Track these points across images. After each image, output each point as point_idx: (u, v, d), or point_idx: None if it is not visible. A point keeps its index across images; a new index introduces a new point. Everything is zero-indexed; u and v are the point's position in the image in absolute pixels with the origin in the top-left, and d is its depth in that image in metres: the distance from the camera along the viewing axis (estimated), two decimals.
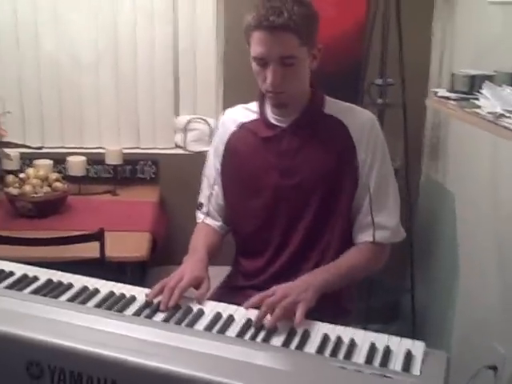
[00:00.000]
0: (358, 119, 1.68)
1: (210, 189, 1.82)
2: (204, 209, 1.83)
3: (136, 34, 3.00)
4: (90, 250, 2.15)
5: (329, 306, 1.49)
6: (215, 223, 1.82)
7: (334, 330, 1.36)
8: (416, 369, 1.23)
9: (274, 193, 1.69)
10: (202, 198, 1.84)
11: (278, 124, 1.69)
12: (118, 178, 3.02)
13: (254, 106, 1.74)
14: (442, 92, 1.89)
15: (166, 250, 2.58)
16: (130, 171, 3.09)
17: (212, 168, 1.81)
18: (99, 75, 3.05)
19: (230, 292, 1.78)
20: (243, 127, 1.75)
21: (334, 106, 1.71)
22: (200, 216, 1.84)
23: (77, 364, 1.22)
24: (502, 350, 2.19)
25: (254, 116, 1.74)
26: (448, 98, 1.81)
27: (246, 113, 1.76)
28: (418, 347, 1.30)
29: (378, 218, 1.67)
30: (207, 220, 1.82)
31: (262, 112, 1.72)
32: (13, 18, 2.96)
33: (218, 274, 1.88)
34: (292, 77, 1.58)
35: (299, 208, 1.68)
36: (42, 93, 3.05)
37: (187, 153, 3.10)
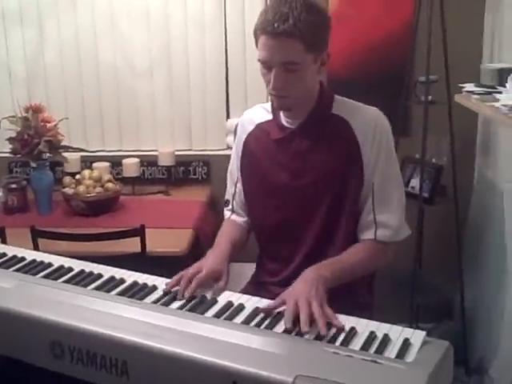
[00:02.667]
0: (363, 118, 1.69)
1: (234, 186, 1.89)
2: (230, 206, 1.91)
3: (187, 40, 3.13)
4: (133, 245, 2.29)
5: (344, 301, 1.50)
6: (240, 219, 1.89)
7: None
8: (411, 356, 1.26)
9: (287, 193, 1.74)
10: (228, 195, 1.92)
11: (288, 126, 1.74)
12: (171, 179, 3.16)
13: (269, 105, 1.79)
14: (469, 87, 1.89)
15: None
16: (183, 172, 3.22)
17: (234, 166, 1.89)
18: (154, 81, 3.20)
19: (255, 288, 1.85)
20: (258, 127, 1.81)
21: (341, 106, 1.72)
22: (227, 213, 1.92)
23: (92, 344, 1.33)
24: None
25: (269, 116, 1.79)
26: (473, 93, 1.81)
27: (262, 113, 1.82)
28: (417, 336, 1.32)
29: (380, 216, 1.69)
30: (233, 216, 1.90)
31: (274, 113, 1.77)
32: (74, 29, 3.16)
33: (249, 270, 1.97)
34: (295, 82, 1.61)
35: (310, 209, 1.72)
36: (101, 99, 3.24)
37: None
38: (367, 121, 1.68)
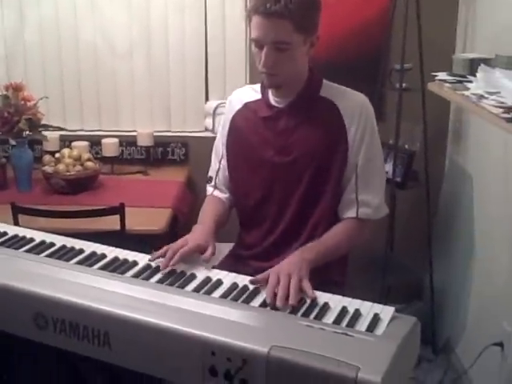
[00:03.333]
0: (350, 102, 1.77)
1: (218, 163, 1.95)
2: (212, 182, 1.96)
3: (168, 22, 3.15)
4: (113, 223, 2.33)
5: (318, 279, 1.58)
6: (223, 195, 1.95)
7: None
8: (380, 330, 1.33)
9: (271, 169, 1.81)
10: (211, 172, 1.98)
11: (277, 105, 1.81)
12: (149, 159, 3.20)
13: (258, 86, 1.86)
14: (442, 75, 1.96)
15: (189, 227, 2.72)
16: (161, 153, 3.26)
17: (219, 144, 1.95)
18: (133, 62, 3.22)
19: (233, 262, 1.91)
20: (247, 106, 1.87)
21: (329, 90, 1.80)
22: (209, 189, 1.98)
23: (75, 316, 1.37)
24: (509, 328, 2.25)
25: (258, 96, 1.86)
26: (445, 81, 1.88)
27: (251, 93, 1.88)
28: (386, 311, 1.39)
29: (363, 195, 1.77)
30: (215, 192, 1.96)
31: (263, 93, 1.84)
32: (54, 9, 3.16)
33: (223, 250, 2.03)
34: (285, 61, 1.68)
35: (293, 184, 1.79)
36: (80, 79, 3.25)
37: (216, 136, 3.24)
38: (354, 105, 1.77)
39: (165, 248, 1.66)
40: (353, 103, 1.77)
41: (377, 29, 2.99)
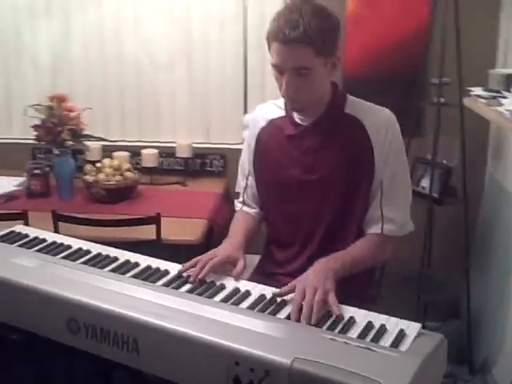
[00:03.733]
0: (375, 118, 1.76)
1: (245, 180, 1.97)
2: (240, 198, 1.99)
3: (208, 35, 3.22)
4: (149, 232, 2.39)
5: (347, 293, 1.56)
6: (252, 210, 1.97)
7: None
8: (405, 346, 1.32)
9: (299, 186, 1.81)
10: (238, 188, 2.00)
11: (302, 123, 1.81)
12: (188, 170, 3.25)
13: (282, 102, 1.85)
14: (477, 91, 1.95)
15: (224, 238, 2.75)
16: (200, 164, 3.31)
17: (246, 160, 1.96)
18: (174, 75, 3.29)
19: (263, 278, 1.89)
20: (271, 123, 1.87)
21: (354, 106, 1.79)
22: (238, 205, 2.01)
23: (106, 322, 1.42)
24: None
25: (282, 113, 1.86)
26: (480, 97, 1.87)
27: (274, 109, 1.88)
28: (413, 328, 1.39)
29: (387, 212, 1.76)
30: (244, 208, 1.98)
31: (287, 110, 1.84)
32: (99, 23, 3.26)
33: (250, 262, 2.05)
34: (307, 85, 1.68)
35: (322, 201, 1.79)
36: (123, 91, 3.34)
37: None
38: (380, 121, 1.75)
39: (194, 260, 1.69)
40: (378, 119, 1.76)
41: (415, 43, 2.97)
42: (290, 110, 1.80)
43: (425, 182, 2.84)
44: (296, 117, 1.82)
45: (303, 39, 1.60)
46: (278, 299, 1.52)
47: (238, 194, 2.00)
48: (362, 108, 1.79)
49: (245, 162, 1.98)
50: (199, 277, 1.62)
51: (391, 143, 1.75)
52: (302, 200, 1.82)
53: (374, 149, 1.74)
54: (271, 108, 1.91)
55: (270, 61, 1.69)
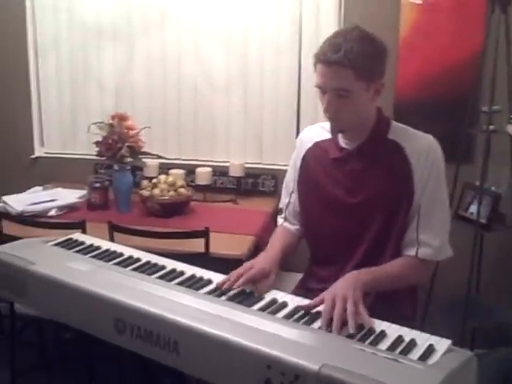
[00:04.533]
0: (417, 144, 1.80)
1: (289, 197, 2.05)
2: (283, 214, 2.07)
3: (264, 61, 3.34)
4: (198, 246, 2.49)
5: (387, 312, 1.61)
6: (293, 227, 2.05)
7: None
8: (432, 360, 1.36)
9: (341, 208, 1.88)
10: (281, 205, 2.09)
11: (346, 147, 1.88)
12: (240, 189, 3.37)
13: (328, 125, 1.91)
14: None
15: None
16: (252, 183, 3.42)
17: (291, 178, 2.05)
18: (230, 98, 3.43)
19: (304, 293, 1.95)
20: (317, 145, 1.96)
21: (397, 132, 1.85)
22: (279, 220, 2.09)
23: (150, 324, 1.51)
24: None
25: (328, 136, 1.93)
26: None
27: (321, 132, 1.97)
28: (443, 343, 1.43)
29: (423, 235, 1.80)
30: (285, 224, 2.06)
31: (333, 134, 1.91)
32: (161, 47, 3.44)
33: (294, 280, 2.12)
34: (347, 107, 1.74)
35: (363, 224, 1.85)
36: (181, 112, 3.50)
37: None
38: (421, 147, 1.80)
39: (232, 273, 1.75)
40: (419, 146, 1.80)
41: (467, 71, 3.00)
42: (331, 130, 1.88)
43: (473, 208, 2.85)
44: (341, 141, 1.89)
45: (343, 62, 1.67)
46: (313, 310, 1.59)
47: (281, 210, 2.09)
48: (404, 134, 1.84)
49: (289, 180, 2.06)
50: (234, 287, 1.69)
51: (431, 169, 1.79)
52: (343, 221, 1.88)
53: (413, 174, 1.79)
54: (318, 130, 1.99)
55: (315, 82, 1.77)
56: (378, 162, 1.84)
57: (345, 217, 1.88)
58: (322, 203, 1.93)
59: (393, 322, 1.55)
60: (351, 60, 1.67)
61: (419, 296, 2.00)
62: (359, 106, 1.77)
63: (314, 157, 1.96)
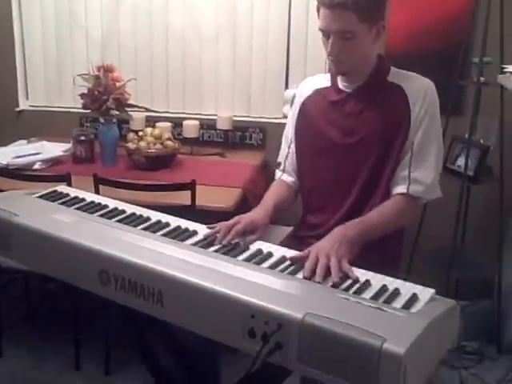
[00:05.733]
0: (416, 83, 1.83)
1: (287, 148, 2.05)
2: (281, 166, 2.07)
3: (252, 10, 3.27)
4: (184, 198, 2.48)
5: (374, 252, 1.64)
6: (290, 179, 2.05)
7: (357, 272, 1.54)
8: (415, 309, 1.37)
9: (338, 151, 1.89)
10: (280, 157, 2.08)
11: (345, 89, 1.89)
12: (227, 143, 3.34)
13: (329, 75, 1.95)
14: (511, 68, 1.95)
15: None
16: (240, 137, 3.40)
17: (289, 128, 2.04)
18: (218, 49, 3.37)
19: (295, 241, 1.98)
20: (317, 92, 1.97)
21: (397, 75, 1.87)
22: (278, 173, 2.08)
23: (134, 274, 1.50)
24: None
25: (328, 84, 1.95)
26: None
27: (322, 80, 1.98)
28: (426, 292, 1.43)
29: (415, 173, 1.81)
30: (283, 176, 2.06)
31: (332, 80, 1.93)
32: None
33: (282, 233, 2.10)
34: (350, 49, 1.76)
35: (359, 165, 1.86)
36: (168, 63, 3.44)
37: None
38: (419, 86, 1.83)
39: (219, 225, 1.74)
40: (418, 85, 1.83)
41: (459, 22, 2.96)
42: (334, 72, 1.88)
43: (461, 161, 2.84)
44: (340, 84, 1.90)
45: (347, 4, 1.68)
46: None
47: (280, 163, 2.08)
48: (404, 76, 1.86)
49: (288, 131, 2.06)
50: (223, 242, 1.68)
51: (428, 108, 1.81)
52: (340, 163, 1.89)
53: (411, 111, 1.81)
54: (319, 79, 2.01)
55: (318, 25, 1.77)
56: (377, 102, 1.85)
57: (341, 160, 1.89)
58: (319, 147, 1.94)
59: (380, 264, 1.56)
60: (354, 2, 1.68)
61: (404, 236, 2.00)
62: (362, 48, 1.79)
63: (313, 103, 1.97)
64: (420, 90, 1.81)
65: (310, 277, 1.49)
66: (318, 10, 1.78)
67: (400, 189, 1.83)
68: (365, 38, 1.77)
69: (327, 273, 1.51)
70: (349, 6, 1.69)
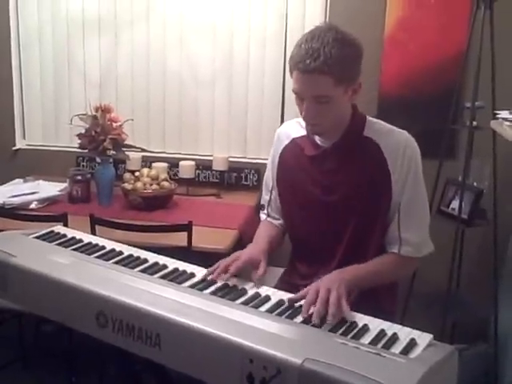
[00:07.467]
0: (392, 141, 1.79)
1: (269, 193, 2.05)
2: (265, 210, 2.07)
3: (249, 54, 3.34)
4: (181, 239, 2.48)
5: (368, 307, 1.60)
6: (276, 221, 2.05)
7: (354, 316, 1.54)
8: (414, 354, 1.37)
9: (318, 207, 1.87)
10: (263, 201, 2.09)
11: (322, 144, 1.85)
12: (223, 183, 3.36)
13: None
14: (504, 114, 1.99)
15: None
16: (235, 178, 3.42)
17: (270, 176, 2.04)
18: (215, 91, 3.42)
19: (287, 288, 1.96)
20: (294, 142, 1.94)
21: (373, 129, 1.82)
22: (262, 216, 2.09)
23: (132, 317, 1.49)
24: None
25: (303, 132, 1.90)
26: (505, 119, 1.91)
27: (297, 128, 1.94)
28: (424, 337, 1.43)
29: (405, 234, 1.81)
30: (269, 219, 2.06)
31: (308, 132, 1.88)
32: (145, 41, 3.43)
33: (276, 275, 2.11)
34: (326, 112, 1.71)
35: (342, 222, 1.85)
36: (165, 105, 3.48)
37: None
38: (396, 143, 1.78)
39: (218, 263, 1.74)
40: (395, 142, 1.78)
41: (451, 67, 3.02)
42: (310, 133, 1.86)
43: (455, 204, 2.86)
44: (317, 138, 1.87)
45: (323, 69, 1.62)
46: (296, 304, 1.59)
47: (263, 206, 2.08)
48: (379, 131, 1.82)
49: (269, 177, 2.05)
50: (224, 279, 1.68)
51: (409, 166, 1.78)
52: (323, 219, 1.88)
53: (390, 170, 1.77)
54: (294, 126, 1.97)
55: (292, 87, 1.72)
56: (354, 159, 1.82)
57: (322, 216, 1.87)
58: (301, 202, 1.92)
59: (374, 316, 1.54)
60: (330, 66, 1.62)
61: (399, 290, 2.01)
62: (338, 110, 1.75)
63: (291, 154, 1.94)
64: (398, 146, 1.77)
65: (308, 311, 1.49)
66: (291, 71, 1.71)
67: (393, 249, 1.84)
68: (341, 99, 1.71)
69: (325, 310, 1.50)
70: (325, 70, 1.62)
